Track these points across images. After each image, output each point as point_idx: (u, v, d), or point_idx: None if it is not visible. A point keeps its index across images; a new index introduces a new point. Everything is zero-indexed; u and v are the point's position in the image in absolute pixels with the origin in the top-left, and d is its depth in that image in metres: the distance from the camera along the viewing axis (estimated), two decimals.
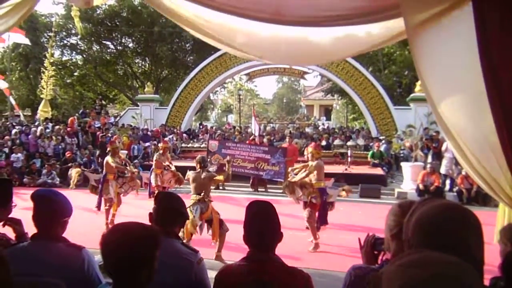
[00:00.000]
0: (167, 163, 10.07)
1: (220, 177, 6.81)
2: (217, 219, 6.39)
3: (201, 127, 25.29)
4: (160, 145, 10.98)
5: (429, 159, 14.26)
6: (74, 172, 9.18)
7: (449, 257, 0.94)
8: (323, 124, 30.49)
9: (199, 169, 6.62)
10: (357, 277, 1.78)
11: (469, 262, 0.96)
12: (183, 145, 19.71)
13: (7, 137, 17.20)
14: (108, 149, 8.83)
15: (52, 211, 2.33)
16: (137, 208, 8.87)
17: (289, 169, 8.58)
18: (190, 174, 6.73)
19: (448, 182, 13.24)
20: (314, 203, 7.28)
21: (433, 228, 1.18)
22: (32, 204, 2.35)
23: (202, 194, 6.34)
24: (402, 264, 0.94)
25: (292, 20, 2.89)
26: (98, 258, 2.53)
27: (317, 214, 7.34)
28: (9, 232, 2.59)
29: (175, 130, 21.33)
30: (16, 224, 2.61)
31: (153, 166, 10.10)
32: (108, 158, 8.51)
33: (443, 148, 13.58)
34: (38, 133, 17.48)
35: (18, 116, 22.27)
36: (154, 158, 10.16)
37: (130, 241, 1.67)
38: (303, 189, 7.53)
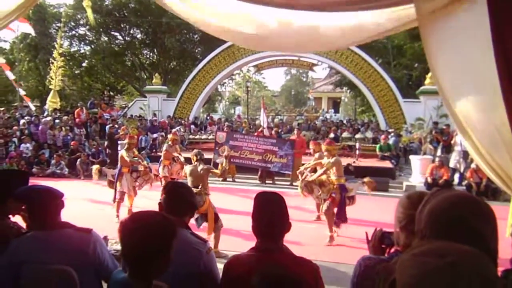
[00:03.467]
0: (176, 154, 10.09)
1: (217, 171, 6.80)
2: (212, 213, 6.38)
3: (207, 118, 25.31)
4: (169, 136, 11.01)
5: (438, 152, 14.18)
6: (94, 168, 9.40)
7: (464, 246, 0.93)
8: (329, 116, 30.38)
9: (195, 162, 6.63)
10: (367, 267, 1.78)
11: (484, 252, 0.94)
12: (191, 136, 19.74)
13: (15, 128, 17.33)
14: (126, 141, 8.99)
15: (49, 207, 2.35)
16: (148, 199, 8.93)
17: (302, 168, 8.44)
18: (186, 168, 6.77)
19: (457, 175, 13.16)
20: (334, 198, 7.23)
21: (447, 219, 1.17)
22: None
23: (199, 187, 6.31)
24: (416, 253, 0.93)
25: (301, 4, 2.85)
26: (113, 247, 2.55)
27: (335, 210, 7.29)
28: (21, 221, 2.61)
29: (182, 121, 21.35)
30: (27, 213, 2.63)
31: (162, 157, 10.13)
32: (123, 152, 8.67)
33: (453, 142, 13.48)
34: (49, 124, 17.59)
35: (27, 107, 22.42)
36: (164, 149, 10.18)
37: (151, 230, 1.69)
38: (322, 187, 7.47)
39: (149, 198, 8.86)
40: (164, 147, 10.25)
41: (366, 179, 7.72)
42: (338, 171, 7.30)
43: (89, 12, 6.12)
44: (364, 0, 2.70)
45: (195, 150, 6.97)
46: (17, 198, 2.39)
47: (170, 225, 1.77)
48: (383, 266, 1.51)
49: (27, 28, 21.93)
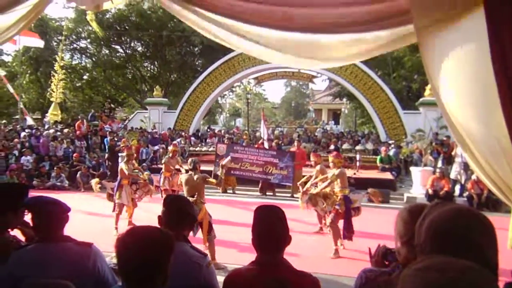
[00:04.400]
0: (177, 166, 10.07)
1: (213, 180, 6.78)
2: (207, 222, 6.34)
3: (208, 130, 25.37)
4: (169, 148, 11.02)
5: (439, 163, 14.16)
6: (93, 182, 9.43)
7: (467, 262, 0.92)
8: (329, 128, 30.37)
9: (191, 172, 6.61)
10: (368, 280, 1.76)
11: (484, 266, 0.94)
12: (191, 148, 19.73)
13: (16, 140, 17.35)
14: (124, 154, 9.00)
15: (56, 219, 2.35)
16: (148, 212, 8.92)
17: (308, 183, 8.42)
18: (182, 177, 6.74)
19: (458, 187, 13.12)
20: (338, 210, 7.18)
21: (446, 233, 1.16)
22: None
23: (195, 196, 6.31)
24: (418, 268, 0.92)
25: (300, 27, 2.88)
26: (107, 260, 2.54)
27: (342, 223, 7.23)
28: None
29: (183, 133, 21.37)
30: (25, 226, 2.62)
31: (163, 169, 10.13)
32: (122, 165, 8.67)
33: (453, 153, 13.47)
34: (51, 136, 17.59)
35: (25, 119, 22.47)
36: (163, 161, 10.19)
37: (149, 245, 1.66)
38: (326, 199, 7.46)
39: (149, 211, 8.83)
40: (164, 159, 10.26)
41: (370, 190, 7.67)
42: (342, 182, 7.32)
43: (95, 25, 6.15)
44: (365, 22, 2.72)
45: (191, 159, 6.96)
46: (27, 206, 2.39)
47: (167, 240, 1.74)
48: (384, 280, 1.51)
49: (33, 41, 22.13)
